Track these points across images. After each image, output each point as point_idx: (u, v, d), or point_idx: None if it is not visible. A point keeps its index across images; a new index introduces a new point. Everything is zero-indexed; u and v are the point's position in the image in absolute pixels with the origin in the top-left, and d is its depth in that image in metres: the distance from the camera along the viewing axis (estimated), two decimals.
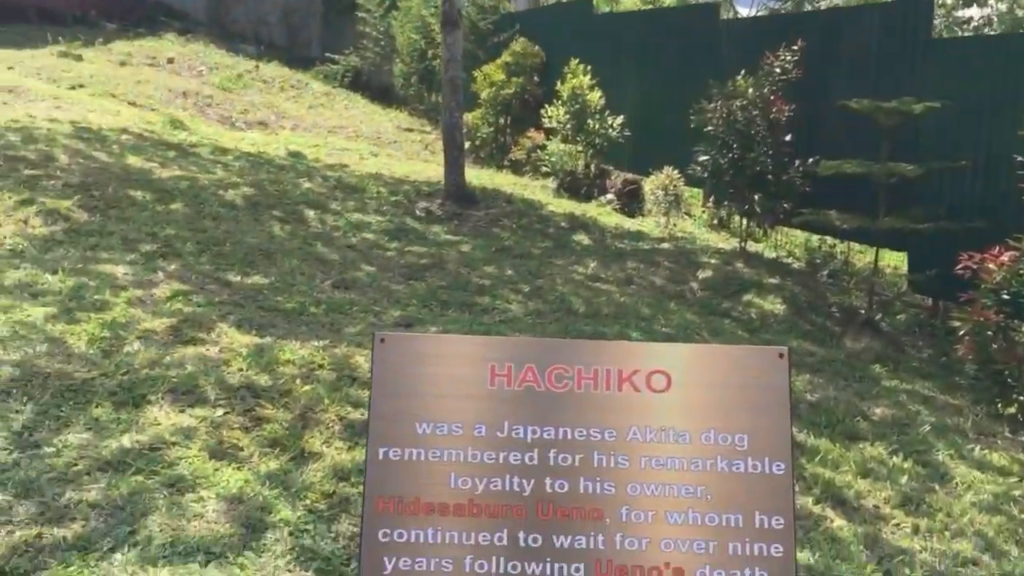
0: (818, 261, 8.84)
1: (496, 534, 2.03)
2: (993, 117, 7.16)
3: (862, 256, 9.05)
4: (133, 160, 8.68)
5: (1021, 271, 5.55)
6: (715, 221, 10.36)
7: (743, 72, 8.97)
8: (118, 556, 2.91)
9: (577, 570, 2.00)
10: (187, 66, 16.37)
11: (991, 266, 5.64)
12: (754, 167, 8.70)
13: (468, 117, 14.94)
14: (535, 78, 14.13)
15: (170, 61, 16.31)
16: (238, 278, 6.03)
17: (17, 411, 3.77)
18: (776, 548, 1.99)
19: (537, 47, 14.22)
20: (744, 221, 9.35)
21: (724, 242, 9.64)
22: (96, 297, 5.15)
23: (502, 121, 14.46)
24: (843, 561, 3.54)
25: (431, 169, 11.49)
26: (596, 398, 2.10)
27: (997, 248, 5.71)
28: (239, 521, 3.18)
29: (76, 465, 3.42)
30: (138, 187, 7.74)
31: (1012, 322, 5.61)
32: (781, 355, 2.10)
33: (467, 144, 14.99)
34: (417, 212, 9.15)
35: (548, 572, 2.00)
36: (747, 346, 2.16)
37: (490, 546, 2.02)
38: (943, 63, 7.60)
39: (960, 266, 5.83)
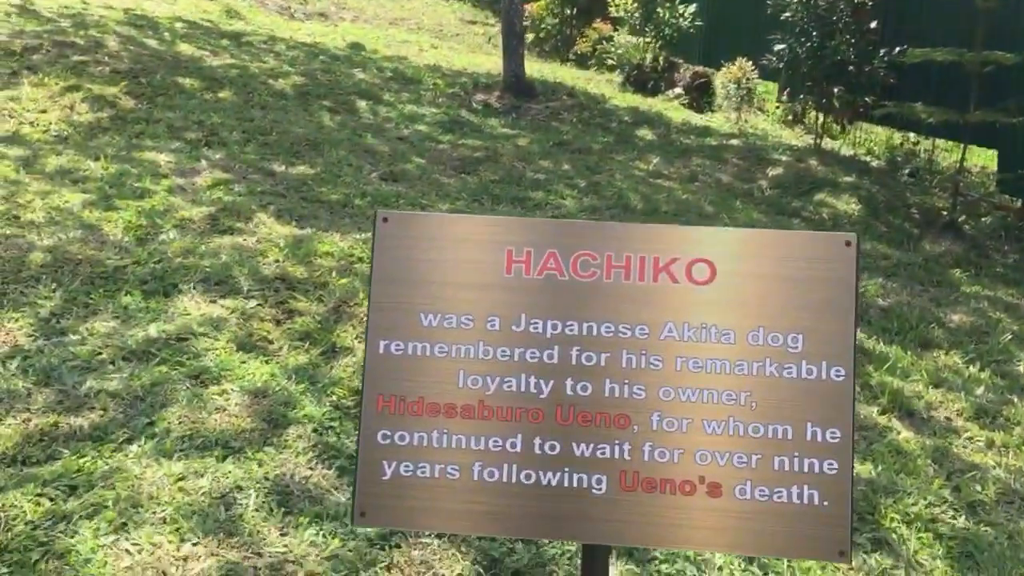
0: (899, 159, 8.26)
1: (509, 439, 1.80)
2: None
3: (947, 154, 8.41)
4: (184, 48, 8.47)
5: None
6: (789, 116, 9.75)
7: None
8: (133, 447, 2.80)
9: (599, 481, 1.77)
10: None
11: None
12: (834, 57, 8.09)
13: (532, 8, 14.32)
14: None
15: None
16: (282, 168, 5.84)
17: (46, 297, 3.67)
18: (830, 464, 1.72)
19: None
20: (820, 116, 8.77)
21: (798, 139, 9.08)
22: (136, 185, 5.02)
23: (567, 12, 13.82)
24: (908, 475, 3.26)
25: (491, 62, 11.04)
26: (627, 289, 1.82)
27: None
28: (261, 416, 3.04)
29: (100, 354, 3.31)
30: (187, 75, 7.55)
31: None
32: (848, 243, 1.78)
33: (531, 37, 14.41)
34: (473, 104, 8.79)
35: (566, 482, 1.78)
36: (807, 232, 1.85)
37: (501, 452, 1.80)
38: None
39: None
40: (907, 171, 8.01)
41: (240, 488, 2.65)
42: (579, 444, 1.79)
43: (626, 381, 1.79)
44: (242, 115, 6.86)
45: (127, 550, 2.37)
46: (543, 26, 14.00)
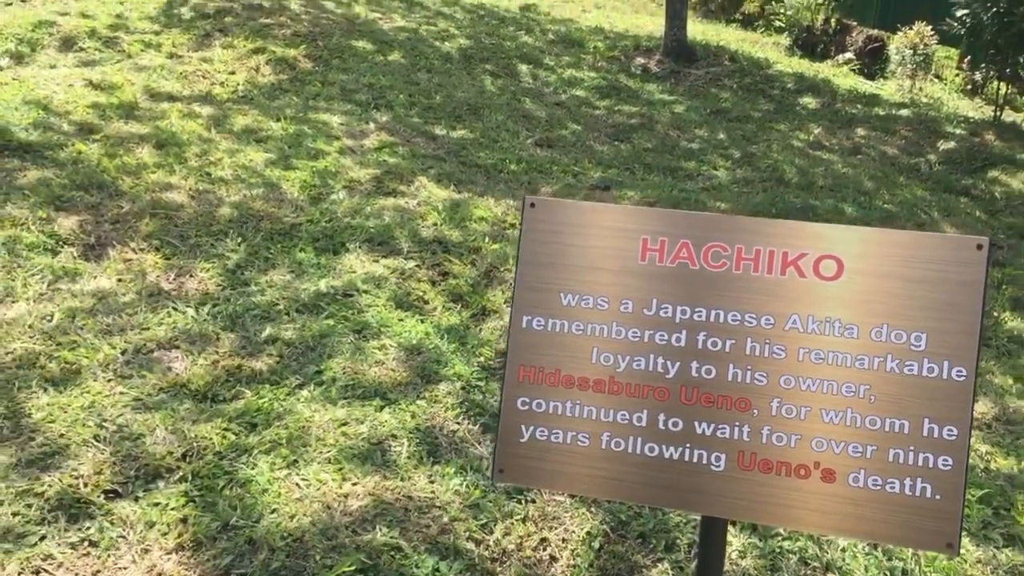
0: None
1: (636, 414, 1.96)
2: None
3: None
4: (360, 10, 8.90)
5: None
6: (969, 86, 9.22)
7: None
8: (304, 392, 3.14)
9: (718, 459, 1.90)
10: None
11: None
12: (1022, 24, 7.57)
13: None
14: None
15: None
16: (444, 131, 6.12)
17: (233, 250, 4.09)
18: (945, 460, 1.78)
19: None
20: (1004, 86, 8.25)
21: (976, 110, 8.58)
22: (311, 145, 5.42)
23: None
24: None
25: (654, 23, 10.95)
26: (755, 281, 1.92)
27: None
28: (415, 371, 3.32)
29: (277, 304, 3.68)
30: (361, 37, 7.96)
31: None
32: (980, 246, 1.81)
33: None
34: (632, 69, 8.81)
35: (687, 457, 1.92)
36: (936, 234, 1.89)
37: (628, 425, 1.96)
38: None
39: None
40: None
41: (394, 436, 2.94)
42: (700, 423, 1.92)
43: (749, 367, 1.90)
44: (409, 78, 7.20)
45: (297, 484, 2.70)
46: None
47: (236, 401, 3.07)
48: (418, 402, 3.14)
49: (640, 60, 9.12)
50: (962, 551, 2.73)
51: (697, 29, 10.88)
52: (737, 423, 1.90)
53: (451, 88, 7.10)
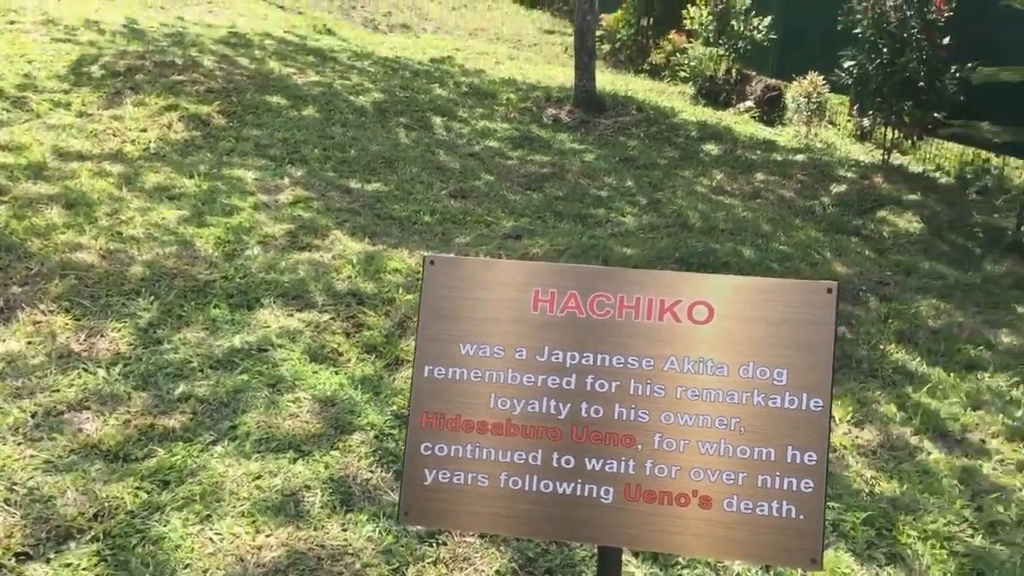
0: (969, 176, 8.23)
1: (531, 453, 2.09)
2: None
3: (1020, 172, 8.34)
4: (274, 65, 9.00)
5: None
6: (859, 131, 9.77)
7: None
8: (218, 448, 3.19)
9: (607, 492, 2.05)
10: None
11: None
12: (904, 73, 8.11)
13: (609, 18, 14.55)
14: None
15: None
16: (358, 185, 6.25)
17: (145, 309, 4.12)
18: (807, 483, 1.96)
19: None
20: (891, 132, 8.78)
21: (867, 154, 9.11)
22: (225, 201, 5.48)
23: (643, 22, 13.98)
24: (932, 495, 3.43)
25: (565, 74, 11.31)
26: (636, 327, 2.10)
27: None
28: (329, 422, 3.40)
29: (190, 362, 3.72)
30: (275, 92, 8.06)
31: None
32: (829, 290, 2.02)
33: (607, 47, 14.65)
34: (544, 119, 9.10)
35: (579, 492, 2.06)
36: (795, 280, 2.10)
37: (525, 464, 2.09)
38: None
39: None
40: (976, 189, 7.98)
41: (308, 487, 3.01)
42: (590, 459, 2.07)
43: (633, 406, 2.07)
44: (323, 132, 7.32)
45: (211, 538, 2.75)
46: (619, 37, 14.21)
47: (148, 459, 3.10)
48: (332, 453, 3.22)
49: (552, 111, 9.43)
50: (847, 570, 2.93)
51: (607, 79, 11.29)
52: (623, 458, 2.06)
53: (366, 141, 7.24)
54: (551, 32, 16.13)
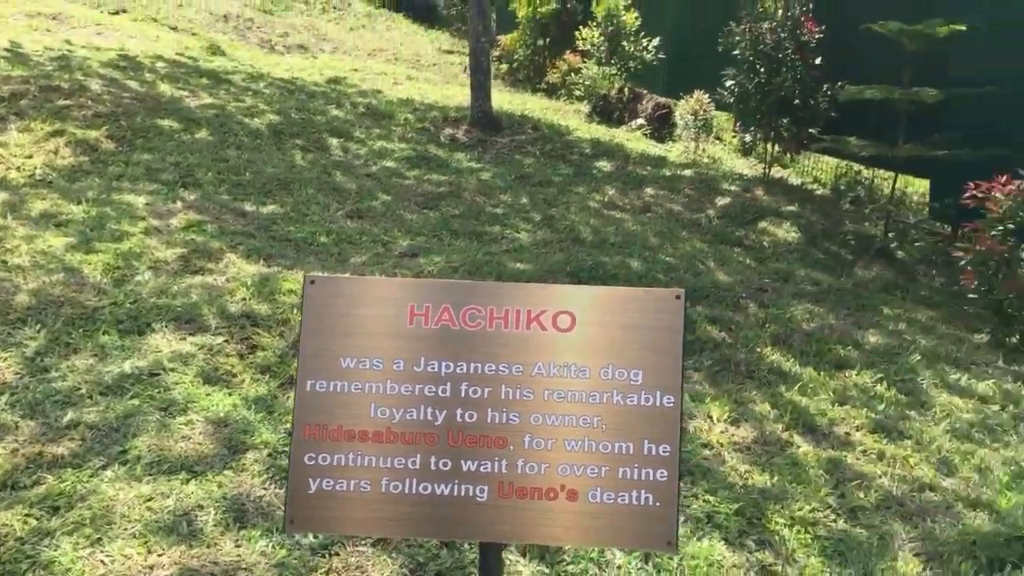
0: (842, 187, 8.74)
1: (410, 459, 2.22)
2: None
3: (887, 183, 8.89)
4: (165, 88, 8.90)
5: None
6: (743, 147, 10.26)
7: None
8: (108, 473, 3.20)
9: (481, 491, 2.19)
10: None
11: (998, 195, 5.57)
12: (779, 92, 8.58)
13: (506, 39, 14.85)
14: None
15: None
16: (254, 208, 6.26)
17: (31, 338, 4.07)
18: (662, 473, 2.15)
19: None
20: (771, 147, 9.26)
21: (750, 168, 9.57)
22: (115, 227, 5.42)
23: (540, 43, 14.31)
24: (800, 484, 3.69)
25: (463, 93, 11.48)
26: (506, 336, 2.25)
27: (1004, 177, 5.63)
28: (223, 443, 3.44)
29: (79, 389, 3.71)
30: (166, 116, 7.98)
31: (1018, 252, 5.55)
32: (678, 296, 2.22)
33: (505, 66, 14.94)
34: (441, 139, 9.24)
35: (455, 492, 2.20)
36: (647, 288, 2.28)
37: (404, 469, 2.21)
38: None
39: (966, 195, 5.77)
40: (849, 199, 8.49)
41: (201, 507, 3.06)
42: (466, 461, 2.21)
43: (504, 409, 2.22)
44: (217, 155, 7.29)
45: (102, 561, 2.77)
46: (516, 57, 14.50)
47: (38, 487, 3.09)
48: (225, 472, 3.26)
49: (449, 130, 9.58)
50: (720, 557, 3.14)
51: (504, 99, 11.52)
52: (496, 458, 2.20)
53: (261, 164, 7.25)
54: (450, 52, 16.34)
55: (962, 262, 5.78)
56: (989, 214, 5.63)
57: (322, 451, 2.24)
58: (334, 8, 17.85)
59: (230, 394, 3.81)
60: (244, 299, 4.68)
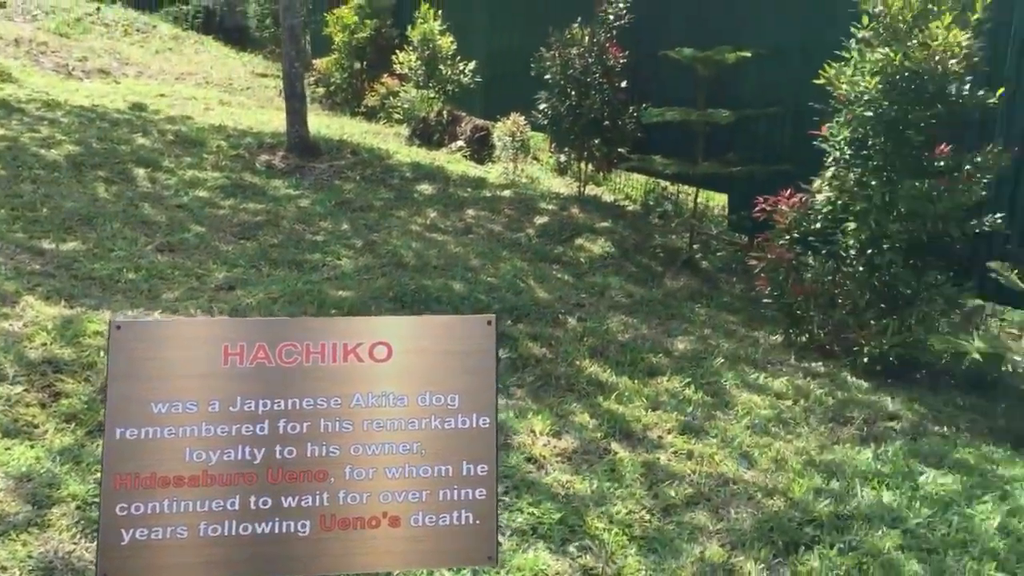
0: (652, 203, 9.25)
1: (228, 500, 2.20)
2: (801, 65, 7.61)
3: (691, 198, 9.50)
4: None
5: (809, 212, 6.02)
6: (558, 167, 10.64)
7: (580, 19, 9.20)
8: None
9: (303, 526, 2.20)
10: (20, 10, 15.43)
11: (784, 208, 6.09)
12: (589, 114, 8.98)
13: (322, 62, 14.69)
14: (389, 21, 13.98)
15: (1, 6, 15.35)
16: (52, 245, 5.91)
17: None
18: (480, 492, 2.24)
19: None
20: (584, 166, 9.66)
21: (566, 187, 9.93)
22: None
23: (357, 66, 14.25)
24: (618, 487, 3.89)
25: (279, 118, 11.25)
26: (323, 370, 2.28)
27: (788, 191, 6.16)
28: (26, 499, 3.25)
29: None
30: None
31: (802, 258, 6.09)
32: (489, 322, 2.33)
33: (322, 90, 14.77)
34: (257, 166, 9.04)
35: (277, 530, 2.20)
36: (459, 316, 2.39)
37: (223, 511, 2.19)
38: (760, 11, 7.97)
39: (757, 209, 6.27)
40: (657, 214, 8.99)
41: (4, 569, 2.87)
42: (287, 497, 2.21)
43: (323, 443, 2.24)
44: (10, 191, 6.83)
45: None
46: (333, 80, 14.37)
47: None
48: (30, 529, 3.08)
49: (265, 157, 9.39)
50: (544, 566, 3.27)
51: (322, 123, 11.40)
52: (318, 492, 2.22)
53: (59, 198, 6.84)
54: (264, 75, 15.98)
55: (756, 269, 6.27)
56: (777, 225, 6.14)
57: (135, 500, 2.18)
58: (137, 31, 17.02)
59: (32, 446, 3.59)
60: (44, 344, 4.42)
